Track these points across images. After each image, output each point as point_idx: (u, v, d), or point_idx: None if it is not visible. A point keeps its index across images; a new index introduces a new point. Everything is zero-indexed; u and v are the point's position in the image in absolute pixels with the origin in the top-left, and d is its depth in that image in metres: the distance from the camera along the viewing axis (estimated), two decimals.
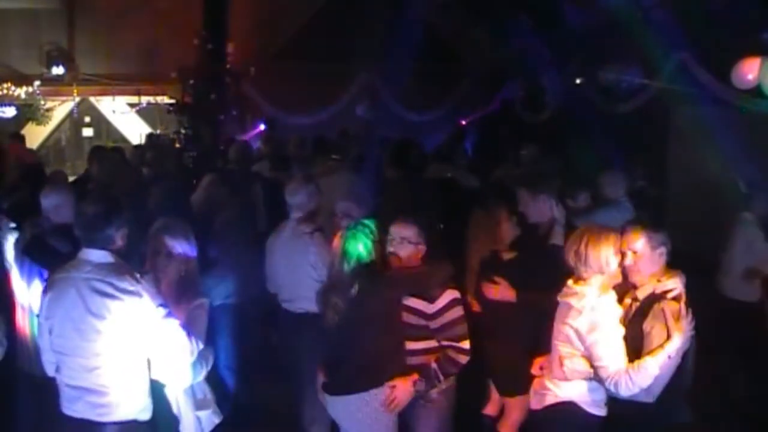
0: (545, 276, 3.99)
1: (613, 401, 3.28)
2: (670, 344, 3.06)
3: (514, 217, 4.32)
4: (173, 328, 3.10)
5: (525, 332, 4.05)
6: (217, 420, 3.40)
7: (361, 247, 3.60)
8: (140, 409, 3.13)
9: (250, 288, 4.99)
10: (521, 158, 7.64)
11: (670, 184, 8.23)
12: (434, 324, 3.62)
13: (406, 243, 3.67)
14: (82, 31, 12.81)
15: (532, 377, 4.16)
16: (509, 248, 4.31)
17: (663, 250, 3.24)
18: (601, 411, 3.37)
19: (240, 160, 7.21)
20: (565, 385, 3.38)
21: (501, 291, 4.18)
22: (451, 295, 3.64)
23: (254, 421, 4.95)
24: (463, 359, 3.63)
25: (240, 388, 5.06)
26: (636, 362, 3.09)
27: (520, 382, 4.26)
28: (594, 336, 3.20)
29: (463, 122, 12.71)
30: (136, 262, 3.39)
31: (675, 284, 3.19)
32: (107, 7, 12.61)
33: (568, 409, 3.38)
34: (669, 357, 3.05)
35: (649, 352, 3.09)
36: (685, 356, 3.15)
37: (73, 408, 3.11)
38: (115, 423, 3.08)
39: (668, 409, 3.21)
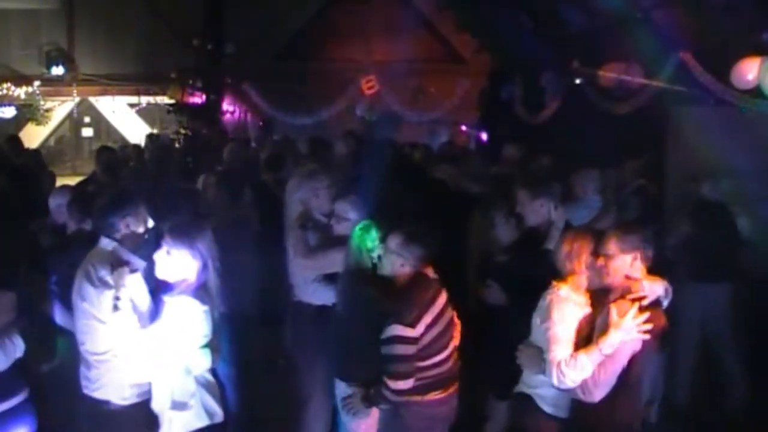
0: (537, 280, 4.00)
1: (576, 405, 3.24)
2: (603, 341, 3.00)
3: (513, 220, 4.30)
4: (126, 324, 3.22)
5: (516, 337, 4.04)
6: (198, 424, 3.26)
7: (365, 247, 3.67)
8: (118, 393, 3.27)
9: (246, 295, 4.94)
10: (502, 158, 7.68)
11: (669, 184, 8.21)
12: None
13: (387, 252, 3.58)
14: (82, 31, 12.83)
15: (502, 381, 4.20)
16: (505, 251, 4.31)
17: (637, 254, 3.17)
18: (552, 409, 3.35)
19: (234, 161, 7.12)
20: (526, 377, 3.45)
21: (493, 294, 4.18)
22: (392, 330, 3.43)
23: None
24: (390, 397, 3.47)
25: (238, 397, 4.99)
26: (570, 356, 3.09)
27: (505, 387, 4.26)
28: (544, 326, 3.26)
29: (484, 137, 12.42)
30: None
31: (645, 289, 3.10)
32: (107, 7, 12.63)
33: (521, 401, 3.47)
34: (602, 354, 3.00)
35: (585, 348, 3.08)
36: (634, 362, 3.05)
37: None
38: (91, 398, 3.33)
39: (629, 423, 3.14)
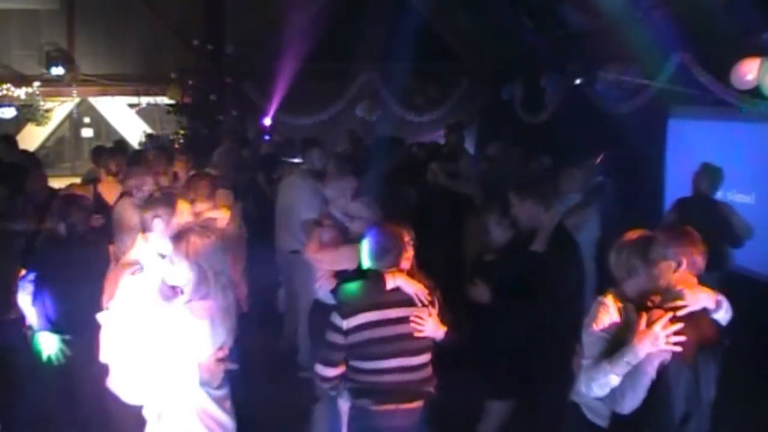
0: (521, 282, 4.01)
1: (613, 416, 3.14)
2: (627, 351, 2.87)
3: (506, 221, 4.29)
4: (106, 329, 3.28)
5: (501, 337, 4.04)
6: None
7: None
8: (126, 393, 3.21)
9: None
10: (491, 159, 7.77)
11: (670, 184, 8.21)
12: None
13: None
14: (82, 31, 12.81)
15: (508, 382, 4.18)
16: (494, 251, 4.33)
17: (681, 260, 3.02)
18: (598, 419, 3.27)
19: (225, 163, 7.10)
20: (576, 385, 3.32)
21: (479, 292, 4.18)
22: (331, 317, 3.55)
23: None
24: (318, 382, 3.64)
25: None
26: (597, 363, 3.00)
27: (497, 386, 4.26)
28: (585, 332, 3.18)
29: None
30: None
31: (686, 297, 2.93)
32: (107, 7, 12.62)
33: (571, 410, 3.39)
34: (627, 364, 2.87)
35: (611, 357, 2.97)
36: (664, 373, 2.89)
37: None
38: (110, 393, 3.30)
39: None
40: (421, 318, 3.48)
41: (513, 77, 11.81)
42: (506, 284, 4.10)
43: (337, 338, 3.46)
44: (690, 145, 7.96)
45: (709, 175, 5.98)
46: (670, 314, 2.84)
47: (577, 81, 9.60)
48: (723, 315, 2.96)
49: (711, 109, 7.58)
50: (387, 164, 7.27)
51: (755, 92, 6.55)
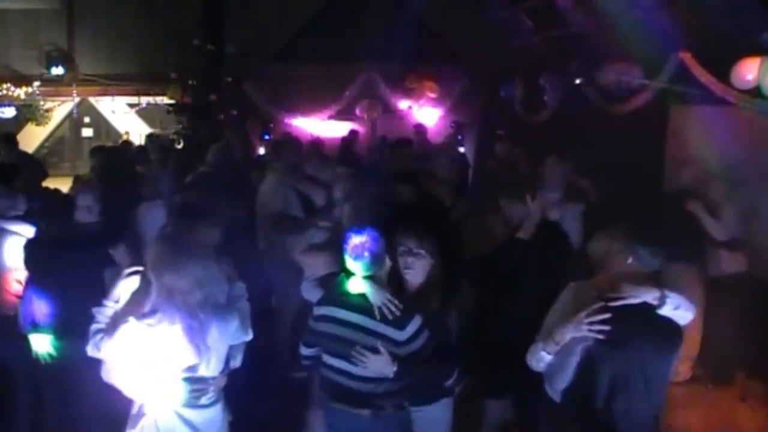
0: (510, 271, 4.08)
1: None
2: (556, 331, 3.09)
3: (512, 222, 4.29)
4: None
5: (494, 332, 4.04)
6: None
7: None
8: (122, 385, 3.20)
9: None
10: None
11: (669, 184, 8.20)
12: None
13: None
14: (82, 31, 12.83)
15: (504, 379, 4.17)
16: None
17: (628, 255, 3.16)
18: (554, 394, 3.39)
19: (217, 162, 7.03)
20: None
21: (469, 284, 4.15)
22: None
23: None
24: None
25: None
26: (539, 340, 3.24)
27: (493, 384, 4.25)
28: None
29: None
30: None
31: (624, 290, 3.05)
32: (107, 7, 12.64)
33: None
34: (555, 344, 3.09)
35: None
36: (587, 357, 3.07)
37: None
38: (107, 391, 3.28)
39: (585, 420, 3.15)
40: (364, 355, 3.31)
41: (513, 77, 11.81)
42: (497, 277, 4.10)
43: (310, 321, 3.61)
44: (690, 144, 7.95)
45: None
46: (600, 303, 3.03)
47: (577, 81, 9.60)
48: (670, 311, 3.06)
49: (711, 109, 7.58)
50: (387, 164, 7.27)
51: (756, 92, 6.54)
